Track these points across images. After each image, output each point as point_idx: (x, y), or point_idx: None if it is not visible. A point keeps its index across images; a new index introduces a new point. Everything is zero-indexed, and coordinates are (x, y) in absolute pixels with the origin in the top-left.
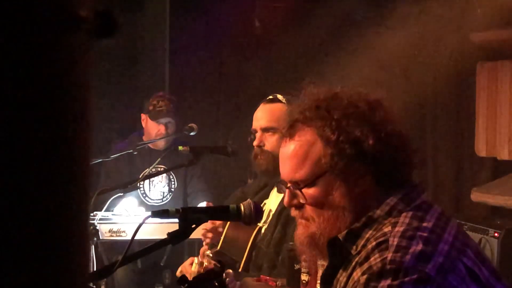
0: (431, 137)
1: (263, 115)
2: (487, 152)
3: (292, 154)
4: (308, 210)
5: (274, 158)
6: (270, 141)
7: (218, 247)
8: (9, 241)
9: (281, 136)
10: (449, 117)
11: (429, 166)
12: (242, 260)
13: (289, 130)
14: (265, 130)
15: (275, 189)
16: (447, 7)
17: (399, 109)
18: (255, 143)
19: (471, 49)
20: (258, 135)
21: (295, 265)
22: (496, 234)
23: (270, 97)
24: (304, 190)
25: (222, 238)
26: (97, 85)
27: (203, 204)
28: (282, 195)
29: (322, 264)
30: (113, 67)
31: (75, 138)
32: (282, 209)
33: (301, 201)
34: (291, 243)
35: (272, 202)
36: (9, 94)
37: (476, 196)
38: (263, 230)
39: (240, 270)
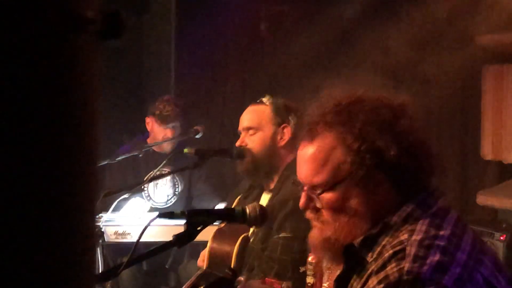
0: (436, 140)
1: (244, 117)
2: (493, 155)
3: (311, 157)
4: (325, 214)
5: (254, 158)
6: (251, 140)
7: (205, 266)
8: (15, 243)
9: (300, 139)
10: (455, 121)
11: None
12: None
13: (309, 133)
14: (246, 130)
15: (264, 192)
16: (453, 9)
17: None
18: (237, 143)
19: (476, 52)
20: (241, 135)
21: (300, 267)
22: (502, 237)
23: (258, 100)
24: (321, 195)
25: (207, 254)
26: (102, 87)
27: (220, 206)
28: (270, 195)
29: (328, 267)
30: (118, 69)
31: (81, 140)
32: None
33: (318, 205)
34: (276, 236)
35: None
36: (15, 95)
37: (482, 199)
38: (251, 235)
39: None
